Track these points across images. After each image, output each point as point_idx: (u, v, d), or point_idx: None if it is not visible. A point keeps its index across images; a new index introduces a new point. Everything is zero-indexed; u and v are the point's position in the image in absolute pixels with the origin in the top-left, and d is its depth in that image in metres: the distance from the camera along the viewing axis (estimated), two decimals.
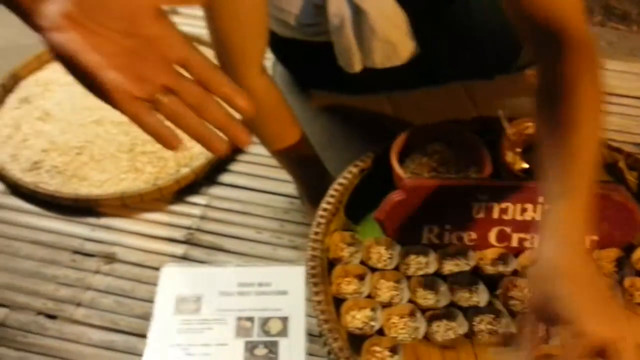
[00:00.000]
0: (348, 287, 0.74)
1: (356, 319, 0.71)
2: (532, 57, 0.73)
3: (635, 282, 0.73)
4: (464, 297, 0.73)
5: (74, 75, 0.48)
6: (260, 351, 0.89)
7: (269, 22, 0.88)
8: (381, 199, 0.79)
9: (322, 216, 0.79)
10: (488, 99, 1.16)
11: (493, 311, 0.71)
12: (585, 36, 0.70)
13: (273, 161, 1.12)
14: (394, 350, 0.69)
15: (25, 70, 1.29)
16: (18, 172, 1.12)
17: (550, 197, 0.62)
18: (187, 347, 0.90)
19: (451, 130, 0.85)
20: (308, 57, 1.08)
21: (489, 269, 0.74)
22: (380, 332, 0.70)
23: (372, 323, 0.70)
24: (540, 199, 0.73)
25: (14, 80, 1.27)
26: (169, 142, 0.50)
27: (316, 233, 0.77)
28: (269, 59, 1.10)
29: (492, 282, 0.73)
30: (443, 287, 0.73)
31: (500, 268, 0.74)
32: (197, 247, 1.04)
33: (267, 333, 0.91)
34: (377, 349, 0.69)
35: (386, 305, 0.72)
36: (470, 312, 0.71)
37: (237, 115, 0.52)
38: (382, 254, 0.77)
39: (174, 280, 0.97)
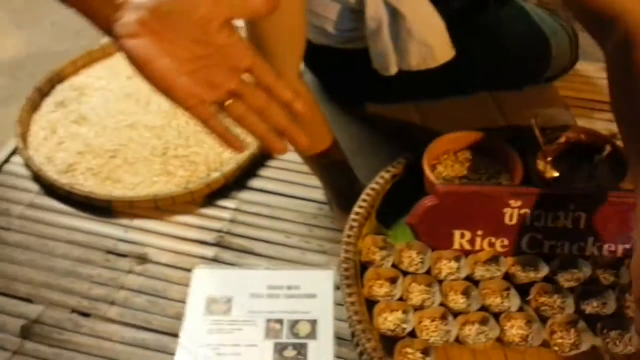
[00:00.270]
0: (380, 290, 0.76)
1: (388, 321, 0.72)
2: (600, 48, 0.72)
3: None
4: (496, 303, 0.74)
5: (148, 80, 0.51)
6: (290, 353, 0.90)
7: (307, 29, 0.90)
8: (412, 205, 0.80)
9: (354, 220, 0.80)
10: (516, 109, 1.17)
11: (524, 317, 0.72)
12: None
13: (302, 167, 1.14)
14: (426, 352, 0.70)
15: (61, 75, 1.32)
16: (54, 174, 1.15)
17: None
18: (218, 347, 0.91)
19: (483, 138, 0.87)
20: (339, 66, 1.10)
21: (521, 276, 0.75)
22: (412, 334, 0.71)
23: (404, 325, 0.72)
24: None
25: (51, 84, 1.31)
26: (233, 145, 0.54)
27: (349, 236, 0.78)
28: None
29: (524, 288, 0.74)
30: (475, 292, 0.74)
31: (532, 275, 0.75)
32: (227, 250, 1.05)
33: (296, 335, 0.92)
34: (410, 350, 0.70)
35: (418, 308, 0.73)
36: (502, 316, 0.71)
37: None
38: (414, 259, 0.78)
39: (205, 282, 0.99)
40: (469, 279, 0.76)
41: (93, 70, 1.34)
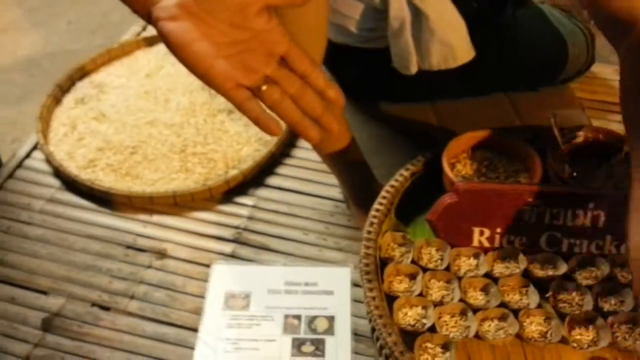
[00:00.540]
0: (400, 285, 0.76)
1: (408, 316, 0.73)
2: (615, 48, 0.73)
3: None
4: (515, 299, 0.74)
5: (185, 63, 0.53)
6: (308, 348, 0.91)
7: (328, 27, 0.91)
8: (430, 203, 0.81)
9: (374, 216, 0.81)
10: (532, 110, 1.18)
11: (543, 313, 0.72)
12: None
13: (319, 165, 1.15)
14: (445, 347, 0.70)
15: (80, 72, 1.34)
16: (74, 170, 1.17)
17: (635, 182, 0.62)
18: (236, 342, 0.93)
19: (501, 137, 0.87)
20: (358, 64, 1.11)
21: (539, 273, 0.76)
22: (432, 329, 0.72)
23: (424, 321, 0.72)
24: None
25: (71, 81, 1.32)
26: (268, 128, 0.55)
27: (369, 232, 0.79)
28: None
29: (542, 285, 0.75)
30: (494, 289, 0.75)
31: (550, 272, 0.76)
32: (245, 246, 1.07)
33: (313, 331, 0.93)
34: (429, 345, 0.71)
35: (437, 304, 0.74)
36: (521, 313, 0.72)
37: None
38: (433, 255, 0.79)
39: (224, 278, 1.00)
40: (487, 275, 0.76)
41: (112, 67, 1.36)
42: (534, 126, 0.92)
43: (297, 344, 0.92)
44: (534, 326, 0.72)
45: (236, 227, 1.09)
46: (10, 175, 1.19)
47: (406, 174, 0.86)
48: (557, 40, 1.15)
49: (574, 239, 0.77)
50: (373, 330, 0.74)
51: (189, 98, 1.25)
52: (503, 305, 0.73)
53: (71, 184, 1.16)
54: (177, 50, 0.53)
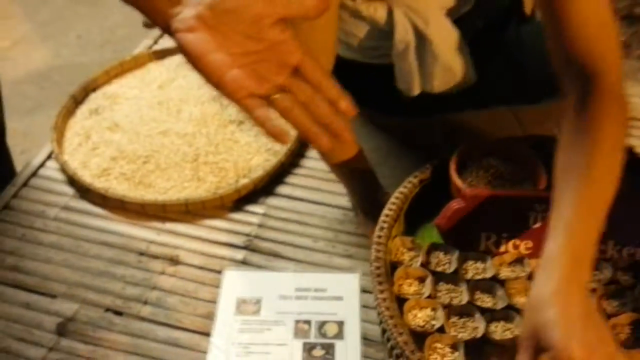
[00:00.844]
0: (409, 288, 0.79)
1: (418, 317, 0.76)
2: (562, 90, 0.75)
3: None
4: (521, 301, 0.77)
5: (200, 72, 0.55)
6: (318, 352, 0.93)
7: (337, 42, 0.94)
8: (438, 209, 0.84)
9: (384, 221, 0.84)
10: (535, 122, 1.21)
11: None
12: (619, 86, 0.72)
13: (327, 175, 1.18)
14: (454, 347, 0.73)
15: (94, 83, 1.37)
16: (88, 178, 1.19)
17: (557, 224, 0.64)
18: (248, 346, 0.95)
19: (506, 146, 0.90)
20: (364, 79, 1.15)
21: None
22: (441, 330, 0.74)
23: (433, 322, 0.75)
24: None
25: (84, 92, 1.36)
26: (278, 136, 0.57)
27: (379, 237, 0.82)
28: None
29: None
30: (500, 292, 0.77)
31: None
32: (256, 253, 1.09)
33: (324, 335, 0.95)
34: (439, 345, 0.73)
35: (446, 305, 0.76)
36: None
37: None
38: (441, 259, 0.81)
39: (235, 283, 1.03)
40: (494, 278, 0.79)
41: (125, 79, 1.39)
42: (538, 136, 0.95)
43: (308, 348, 0.94)
44: None
45: (247, 235, 1.12)
46: (25, 184, 1.22)
47: (415, 180, 0.89)
48: None
49: None
50: (384, 331, 0.76)
51: (201, 109, 1.29)
52: (510, 307, 0.76)
53: (85, 192, 1.18)
54: (194, 60, 0.55)
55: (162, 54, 1.45)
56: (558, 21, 0.74)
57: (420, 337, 0.74)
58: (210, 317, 0.99)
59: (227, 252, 1.10)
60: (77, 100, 1.34)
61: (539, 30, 1.20)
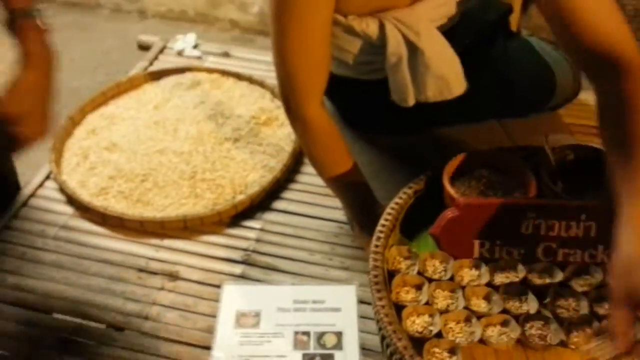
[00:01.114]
0: (407, 295, 0.81)
1: (416, 323, 0.78)
2: (591, 83, 0.82)
3: None
4: (515, 306, 0.79)
5: None
6: None
7: (331, 59, 0.97)
8: (432, 219, 0.86)
9: (381, 231, 0.86)
10: (523, 135, 1.24)
11: (542, 318, 0.77)
12: (637, 55, 0.79)
13: (322, 190, 1.21)
14: (452, 352, 0.75)
15: (91, 105, 1.40)
16: (87, 197, 1.21)
17: (622, 199, 0.71)
18: (248, 358, 0.96)
19: (497, 157, 0.93)
20: (357, 96, 1.18)
21: (537, 281, 0.81)
22: (439, 335, 0.76)
23: (431, 327, 0.77)
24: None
25: (82, 114, 1.38)
26: None
27: (376, 246, 0.84)
28: None
29: (540, 293, 0.80)
30: (495, 297, 0.80)
31: (547, 280, 0.81)
32: (254, 267, 1.11)
33: (323, 346, 0.97)
34: (437, 350, 0.75)
35: (443, 311, 0.79)
36: (522, 318, 0.77)
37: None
38: (437, 267, 0.84)
39: (234, 297, 1.04)
40: (489, 284, 0.81)
41: (122, 100, 1.41)
42: (527, 147, 0.98)
43: (307, 359, 0.95)
44: (534, 330, 0.76)
45: (245, 249, 1.14)
46: (24, 204, 1.23)
47: (409, 191, 0.92)
48: (545, 70, 1.22)
49: (568, 249, 0.82)
50: (383, 338, 0.78)
51: (197, 128, 1.31)
52: (505, 311, 0.78)
53: (84, 211, 1.20)
54: None
55: (157, 75, 1.47)
56: (567, 15, 0.80)
57: (418, 343, 0.76)
58: (210, 331, 1.00)
59: (226, 266, 1.11)
60: (75, 121, 1.36)
61: (525, 46, 1.25)
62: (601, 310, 0.78)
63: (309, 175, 1.26)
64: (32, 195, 1.25)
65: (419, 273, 0.83)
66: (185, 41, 1.61)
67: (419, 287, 0.82)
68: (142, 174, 1.23)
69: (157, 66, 1.54)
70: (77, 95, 1.44)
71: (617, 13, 0.80)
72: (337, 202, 1.18)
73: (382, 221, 0.87)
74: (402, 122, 1.22)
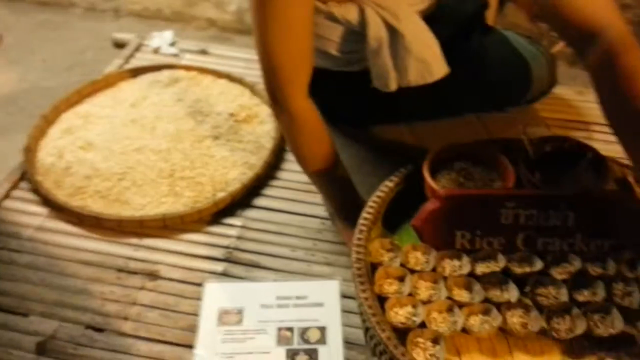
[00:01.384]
0: (390, 287, 0.81)
1: (399, 314, 0.78)
2: (581, 57, 0.84)
3: None
4: (496, 295, 0.80)
5: None
6: (302, 358, 0.95)
7: (314, 50, 0.97)
8: (413, 212, 0.87)
9: (363, 224, 0.86)
10: (501, 128, 1.26)
11: (523, 306, 0.78)
12: (626, 30, 0.80)
13: (304, 186, 1.21)
14: (435, 341, 0.75)
15: (66, 103, 1.37)
16: (63, 197, 1.19)
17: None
18: (232, 355, 0.96)
19: (475, 149, 0.94)
20: (338, 90, 1.18)
21: (517, 270, 0.82)
22: (422, 326, 0.76)
23: (414, 318, 0.77)
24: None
25: (56, 113, 1.36)
26: None
27: (359, 239, 0.84)
28: None
29: (521, 281, 0.81)
30: (477, 286, 0.80)
31: (527, 269, 0.82)
32: (236, 264, 1.10)
33: (306, 341, 0.97)
34: (420, 340, 0.75)
35: (426, 302, 0.79)
36: (503, 307, 0.78)
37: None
38: (419, 258, 0.84)
39: (217, 295, 1.04)
40: (470, 274, 0.82)
41: (97, 98, 1.39)
42: (505, 139, 0.99)
43: (291, 355, 0.95)
44: (515, 318, 0.77)
45: (226, 247, 1.13)
46: None
47: (391, 185, 0.92)
48: (521, 64, 1.23)
49: (547, 238, 0.83)
50: (367, 330, 0.78)
51: (175, 125, 1.30)
52: (486, 300, 0.79)
53: (60, 212, 1.18)
54: None
55: (134, 73, 1.46)
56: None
57: (402, 333, 0.76)
58: (192, 329, 0.99)
59: (207, 265, 1.10)
60: (49, 120, 1.34)
61: (502, 41, 1.26)
62: (580, 297, 0.79)
63: (290, 172, 1.25)
64: (6, 196, 1.22)
65: (402, 265, 0.83)
66: (162, 38, 1.59)
67: (401, 279, 0.82)
68: (119, 173, 1.21)
69: (133, 64, 1.53)
70: (52, 96, 1.41)
71: None
72: (318, 199, 1.18)
73: (364, 214, 0.87)
74: (382, 114, 1.23)
